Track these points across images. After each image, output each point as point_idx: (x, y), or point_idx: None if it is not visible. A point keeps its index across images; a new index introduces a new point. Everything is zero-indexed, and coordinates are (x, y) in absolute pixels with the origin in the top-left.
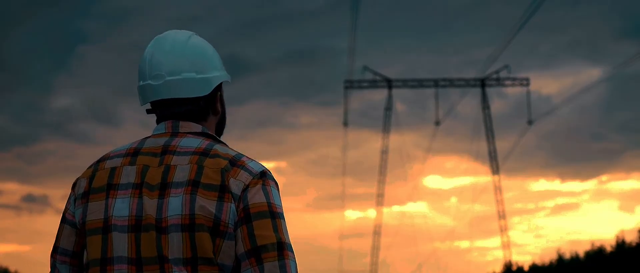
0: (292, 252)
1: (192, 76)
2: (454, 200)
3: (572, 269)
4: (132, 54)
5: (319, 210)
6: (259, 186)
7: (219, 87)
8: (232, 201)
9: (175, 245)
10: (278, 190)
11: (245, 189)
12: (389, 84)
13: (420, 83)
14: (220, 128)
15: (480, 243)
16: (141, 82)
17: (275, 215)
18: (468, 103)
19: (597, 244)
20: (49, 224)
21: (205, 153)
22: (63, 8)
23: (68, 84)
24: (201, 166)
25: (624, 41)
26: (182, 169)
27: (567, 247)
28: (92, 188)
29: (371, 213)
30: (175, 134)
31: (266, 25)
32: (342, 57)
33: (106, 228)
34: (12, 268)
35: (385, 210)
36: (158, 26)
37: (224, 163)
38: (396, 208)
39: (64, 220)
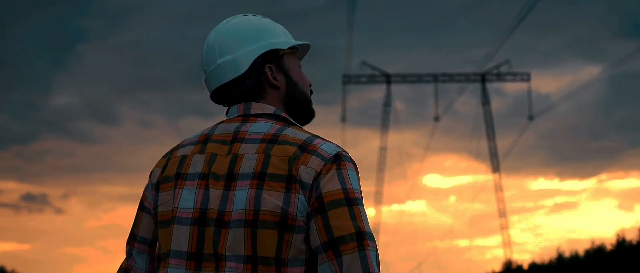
0: (373, 240)
1: (226, 59)
2: (453, 198)
3: (572, 268)
4: (132, 52)
5: None
6: (333, 170)
7: (267, 60)
8: (301, 191)
9: (235, 241)
10: (356, 171)
11: (318, 176)
12: (388, 79)
13: (419, 78)
14: (292, 102)
15: (479, 241)
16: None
17: (352, 202)
18: (467, 102)
19: (597, 243)
20: (48, 223)
21: (273, 140)
22: (62, 6)
23: (67, 82)
24: (268, 155)
25: (624, 40)
26: (248, 159)
27: (566, 245)
28: (163, 177)
29: (370, 211)
30: (246, 117)
31: None
32: (341, 56)
33: (172, 220)
34: (9, 267)
35: (384, 208)
36: (157, 25)
37: (293, 149)
38: (395, 207)
39: (142, 208)
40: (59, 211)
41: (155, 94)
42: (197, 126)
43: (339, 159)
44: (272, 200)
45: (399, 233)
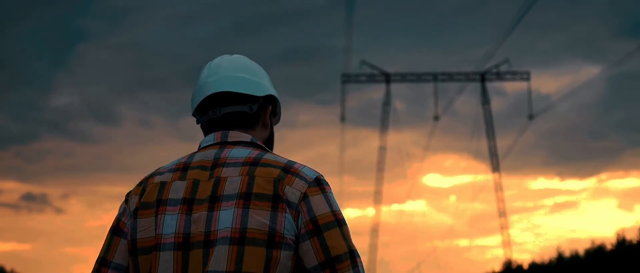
0: (359, 256)
1: (247, 76)
2: (453, 198)
3: (572, 267)
4: (132, 52)
5: None
6: (319, 194)
7: (270, 102)
8: (288, 210)
9: (219, 258)
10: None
11: (304, 198)
12: (387, 78)
13: (418, 77)
14: (267, 146)
15: (479, 241)
16: (197, 85)
17: (340, 223)
18: (467, 101)
19: (597, 243)
20: (48, 223)
21: (255, 163)
22: (62, 6)
23: (67, 82)
24: (252, 176)
25: (624, 40)
26: (232, 181)
27: (566, 245)
28: (142, 203)
29: (370, 211)
30: (224, 144)
31: (265, 23)
32: (341, 56)
33: (155, 246)
34: (9, 267)
35: (384, 208)
36: (157, 25)
37: (277, 172)
38: (395, 207)
39: (118, 233)
40: (59, 211)
41: (155, 94)
42: (197, 126)
43: (321, 184)
44: (259, 218)
45: (399, 233)
